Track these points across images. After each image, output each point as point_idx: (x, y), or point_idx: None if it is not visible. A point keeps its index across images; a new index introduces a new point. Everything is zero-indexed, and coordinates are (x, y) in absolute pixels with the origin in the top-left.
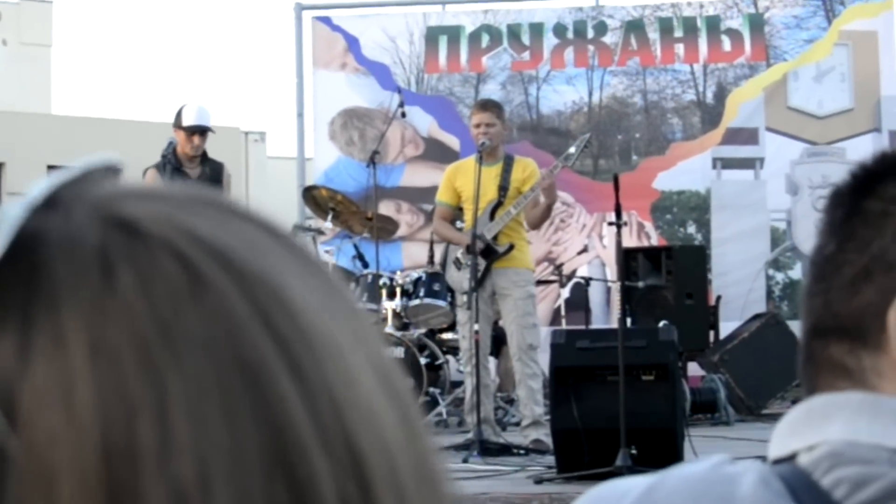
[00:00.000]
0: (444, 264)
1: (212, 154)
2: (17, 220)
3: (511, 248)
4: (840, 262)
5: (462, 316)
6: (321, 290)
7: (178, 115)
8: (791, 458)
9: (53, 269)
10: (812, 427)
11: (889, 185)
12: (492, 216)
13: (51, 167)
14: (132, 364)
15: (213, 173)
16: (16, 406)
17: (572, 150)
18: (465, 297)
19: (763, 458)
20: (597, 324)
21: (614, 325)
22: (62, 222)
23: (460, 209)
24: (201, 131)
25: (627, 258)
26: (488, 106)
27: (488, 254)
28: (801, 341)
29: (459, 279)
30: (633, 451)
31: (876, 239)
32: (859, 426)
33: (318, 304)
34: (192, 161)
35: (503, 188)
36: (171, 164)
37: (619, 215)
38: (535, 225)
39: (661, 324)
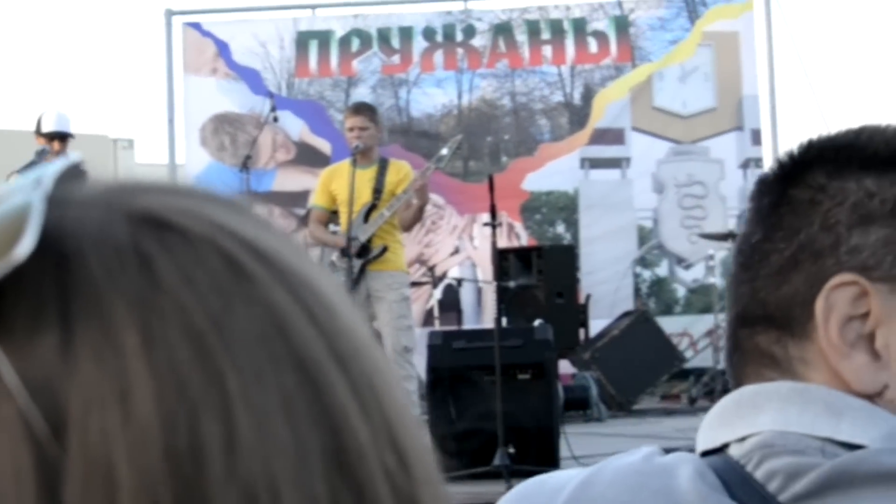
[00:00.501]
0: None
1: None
2: (41, 214)
3: (384, 250)
4: (767, 251)
5: None
6: (335, 286)
7: (38, 122)
8: (721, 449)
9: (87, 263)
10: (742, 418)
11: (816, 174)
12: (366, 219)
13: None
14: (188, 359)
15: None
16: (62, 409)
17: (444, 151)
18: None
19: (691, 450)
20: (468, 324)
21: (486, 325)
22: (82, 217)
23: (335, 213)
24: (61, 137)
25: (499, 258)
26: (361, 109)
27: (362, 256)
28: (727, 330)
29: None
30: (511, 451)
31: (804, 228)
32: (789, 416)
33: (342, 299)
34: None
35: (377, 191)
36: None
37: (493, 216)
38: (408, 227)
39: (537, 322)
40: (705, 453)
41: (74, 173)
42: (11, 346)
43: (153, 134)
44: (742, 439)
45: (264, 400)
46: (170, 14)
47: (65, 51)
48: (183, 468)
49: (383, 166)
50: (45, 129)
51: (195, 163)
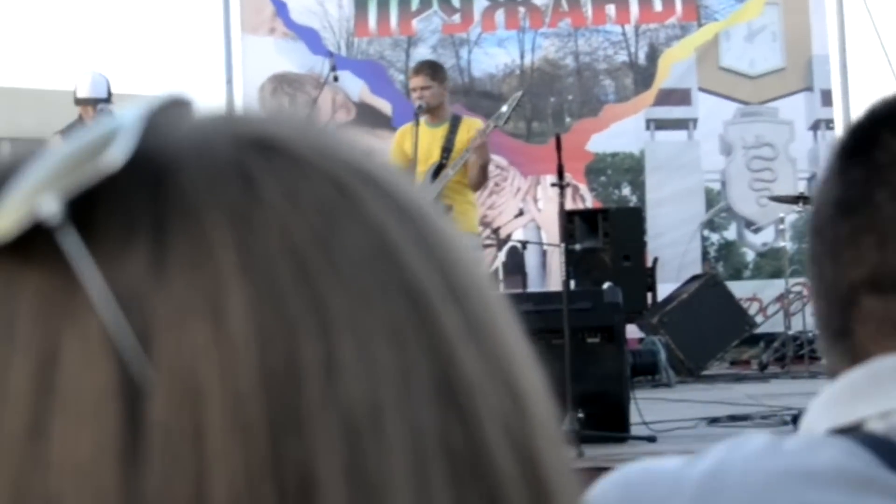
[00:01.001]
0: None
1: None
2: (135, 130)
3: (448, 210)
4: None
5: None
6: (447, 218)
7: (75, 89)
8: (855, 427)
9: (184, 180)
10: (884, 392)
11: None
12: (434, 178)
13: None
14: (288, 276)
15: None
16: (151, 322)
17: (504, 109)
18: None
19: (793, 425)
20: (533, 287)
21: (551, 288)
22: (182, 138)
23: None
24: (94, 103)
25: (565, 221)
26: (421, 69)
27: None
28: (838, 296)
29: None
30: (581, 415)
31: None
32: None
33: (453, 231)
34: None
35: (447, 149)
36: (79, 129)
37: (561, 176)
38: (473, 187)
39: (606, 285)
40: (836, 431)
41: (179, 104)
42: (102, 257)
43: (211, 95)
44: (886, 414)
45: (369, 323)
46: None
47: (121, 11)
48: (277, 389)
49: (455, 124)
50: (80, 95)
51: None
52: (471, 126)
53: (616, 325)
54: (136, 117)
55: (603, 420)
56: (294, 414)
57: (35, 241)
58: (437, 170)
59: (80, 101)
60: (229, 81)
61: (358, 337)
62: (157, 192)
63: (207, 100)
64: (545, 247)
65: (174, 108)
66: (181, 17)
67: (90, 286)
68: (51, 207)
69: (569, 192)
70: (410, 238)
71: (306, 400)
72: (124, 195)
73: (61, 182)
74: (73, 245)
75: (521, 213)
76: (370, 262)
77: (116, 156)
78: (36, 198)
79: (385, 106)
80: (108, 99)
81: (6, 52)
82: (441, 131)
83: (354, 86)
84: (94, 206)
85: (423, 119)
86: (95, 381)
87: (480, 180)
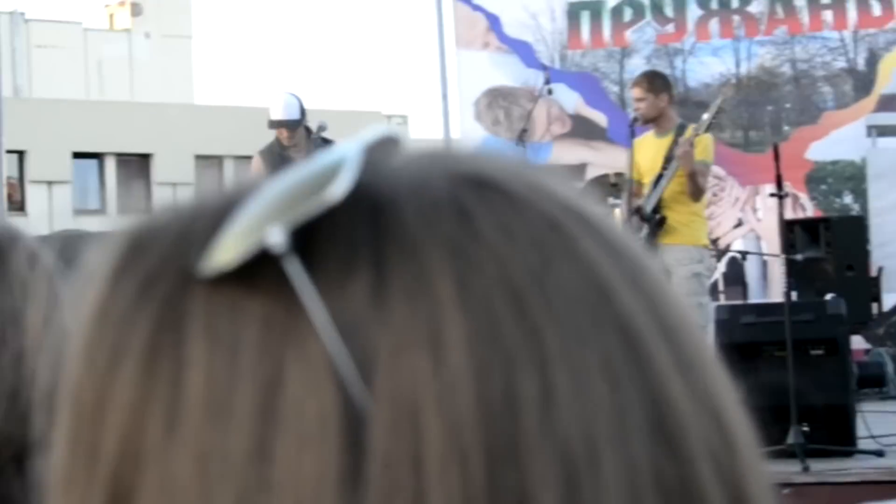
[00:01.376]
0: None
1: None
2: (356, 164)
3: (662, 220)
4: None
5: None
6: (648, 253)
7: (268, 111)
8: None
9: (403, 212)
10: None
11: None
12: (654, 189)
13: (198, 157)
14: (505, 310)
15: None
16: (371, 351)
17: (705, 116)
18: None
19: None
20: (754, 298)
21: (772, 299)
22: (397, 175)
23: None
24: (287, 126)
25: (784, 230)
26: (637, 81)
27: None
28: None
29: None
30: (805, 429)
31: None
32: None
33: (657, 267)
34: (297, 147)
35: (668, 159)
36: (277, 149)
37: (780, 186)
38: (691, 196)
39: (829, 296)
40: None
41: (391, 142)
42: (324, 286)
43: (427, 110)
44: None
45: (584, 359)
46: None
47: (340, 29)
48: (495, 420)
49: (679, 133)
50: (273, 116)
51: (470, 137)
52: (694, 134)
53: (840, 336)
54: (356, 152)
55: (829, 434)
56: (511, 445)
57: (260, 269)
58: (658, 180)
59: (273, 124)
60: (445, 97)
61: (573, 371)
62: (377, 225)
63: (415, 141)
64: (765, 257)
65: (386, 144)
66: (397, 34)
67: (313, 314)
68: (276, 237)
69: (788, 201)
70: (621, 276)
71: (523, 432)
72: (345, 227)
73: (286, 213)
74: (297, 274)
75: (739, 224)
76: (584, 298)
77: (339, 190)
78: (262, 228)
79: (600, 118)
80: (300, 120)
81: (230, 72)
82: (666, 141)
83: (569, 98)
84: (316, 237)
85: (651, 131)
86: (318, 406)
87: (692, 190)
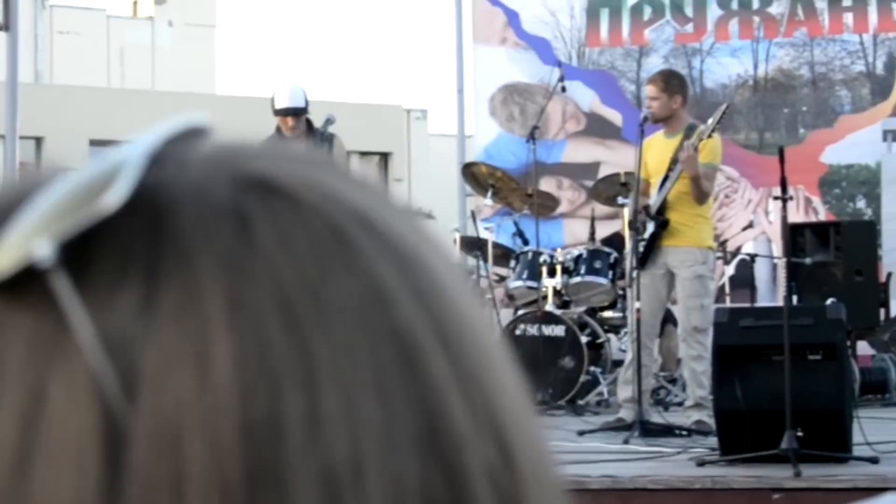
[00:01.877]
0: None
1: (374, 133)
2: (138, 167)
3: (665, 223)
4: None
5: (630, 292)
6: (448, 264)
7: (272, 98)
8: None
9: (181, 222)
10: None
11: None
12: (660, 190)
13: None
14: (276, 325)
15: (326, 145)
16: (136, 368)
17: (710, 121)
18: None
19: None
20: (762, 301)
21: (781, 302)
22: (183, 176)
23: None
24: (293, 113)
25: (794, 234)
26: (653, 79)
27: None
28: None
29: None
30: (800, 434)
31: None
32: None
33: (453, 279)
34: (298, 139)
35: (674, 160)
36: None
37: (784, 189)
38: (695, 199)
39: (829, 301)
40: None
41: (193, 134)
42: (93, 300)
43: (446, 105)
44: None
45: (355, 374)
46: None
47: (361, 22)
48: (258, 442)
49: (688, 135)
50: (277, 105)
51: (484, 133)
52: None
53: (838, 342)
54: (139, 154)
55: (823, 439)
56: (273, 468)
57: (28, 283)
58: (664, 182)
59: (278, 112)
60: (460, 91)
61: (343, 388)
62: (154, 234)
63: (219, 130)
64: (775, 260)
65: (188, 137)
66: (414, 27)
67: (78, 329)
68: (43, 251)
69: (801, 204)
70: (405, 287)
71: (286, 454)
72: (121, 236)
73: (57, 224)
74: (63, 288)
75: (750, 226)
76: (360, 311)
77: (115, 197)
78: (30, 240)
79: (615, 116)
80: (305, 109)
81: (252, 63)
82: (674, 142)
83: (585, 96)
84: (88, 247)
85: (661, 130)
86: (79, 426)
87: (696, 194)
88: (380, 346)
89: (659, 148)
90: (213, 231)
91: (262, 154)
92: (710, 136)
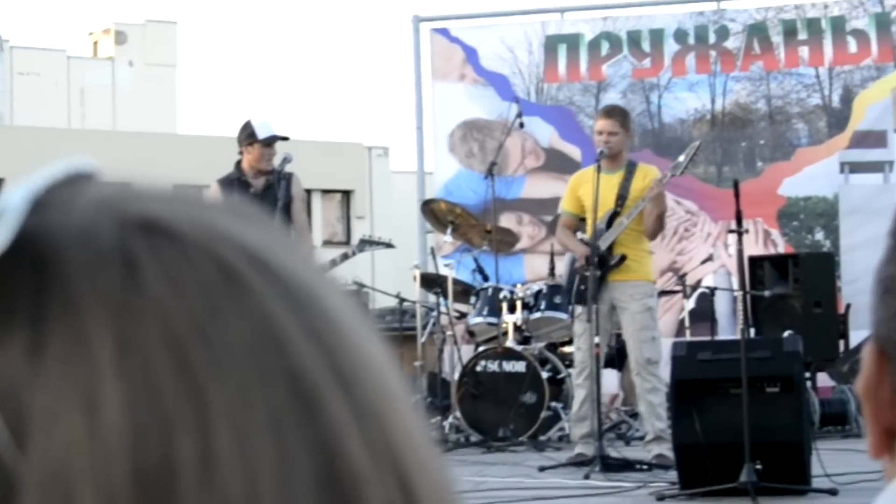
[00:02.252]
0: (569, 274)
1: (336, 170)
2: (19, 213)
3: (622, 259)
4: None
5: (578, 328)
6: (343, 299)
7: (251, 131)
8: None
9: (66, 266)
10: None
11: None
12: (608, 226)
13: (177, 186)
14: (166, 368)
15: (283, 183)
16: (25, 415)
17: (681, 158)
18: (581, 309)
19: None
20: (723, 334)
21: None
22: (67, 220)
23: (583, 219)
24: (277, 140)
25: (753, 266)
26: (612, 113)
27: (602, 265)
28: None
29: (577, 290)
30: (759, 467)
31: None
32: None
33: (349, 313)
34: (259, 173)
35: (622, 197)
36: (237, 177)
37: (739, 222)
38: (650, 236)
39: (786, 334)
40: None
41: (78, 178)
42: None
43: (407, 142)
44: None
45: (249, 416)
46: (417, 21)
47: (321, 60)
48: (150, 488)
49: (630, 171)
50: (263, 134)
51: (444, 170)
52: (647, 173)
53: (795, 374)
54: (21, 199)
55: (782, 472)
56: None
57: None
58: (612, 218)
59: (264, 141)
60: (420, 128)
61: (237, 429)
62: (40, 279)
63: (106, 172)
64: (735, 293)
65: (73, 181)
66: (374, 65)
67: None
68: None
69: (760, 237)
70: (299, 326)
71: (180, 498)
72: (4, 283)
73: None
74: None
75: (710, 259)
76: (253, 351)
77: None
78: None
79: (574, 152)
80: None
81: (213, 102)
82: (616, 178)
83: (544, 131)
84: None
85: (594, 166)
86: None
87: (657, 229)
88: (274, 386)
89: (595, 183)
90: (100, 274)
91: (149, 195)
92: (681, 173)
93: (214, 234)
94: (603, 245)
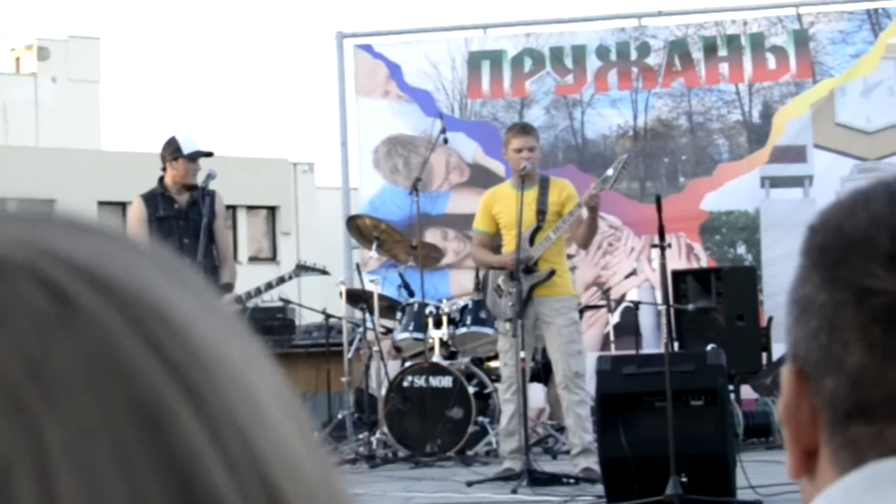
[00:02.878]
0: (483, 291)
1: (261, 187)
2: None
3: (552, 273)
4: None
5: (504, 343)
6: (203, 307)
7: (175, 146)
8: None
9: None
10: (883, 497)
11: None
12: (531, 241)
13: (101, 203)
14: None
15: (208, 199)
16: None
17: (610, 171)
18: (507, 325)
19: None
20: (648, 348)
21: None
22: None
23: (497, 236)
24: (203, 156)
25: (676, 280)
26: (529, 129)
27: (529, 280)
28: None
29: (501, 306)
30: (684, 479)
31: None
32: None
33: (204, 322)
34: (183, 189)
35: (541, 212)
36: (161, 192)
37: (662, 237)
38: (585, 243)
39: (709, 347)
40: None
41: None
42: None
43: (332, 157)
44: None
45: (92, 453)
46: (341, 37)
47: (246, 76)
48: None
49: (545, 186)
50: (188, 150)
51: (369, 186)
52: (562, 187)
53: (719, 387)
54: None
55: (707, 484)
56: None
57: None
58: (534, 233)
59: (190, 156)
60: (344, 144)
61: (80, 470)
62: None
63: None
64: (659, 307)
65: None
66: (299, 81)
67: None
68: None
69: (683, 251)
70: (141, 343)
71: None
72: None
73: None
74: None
75: (634, 273)
76: (91, 382)
77: None
78: None
79: (498, 167)
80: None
81: (138, 118)
82: (533, 194)
83: (468, 147)
84: None
85: (511, 182)
86: None
87: (591, 234)
88: (118, 417)
89: (514, 201)
90: None
91: None
92: (611, 186)
93: (43, 252)
94: (533, 259)
